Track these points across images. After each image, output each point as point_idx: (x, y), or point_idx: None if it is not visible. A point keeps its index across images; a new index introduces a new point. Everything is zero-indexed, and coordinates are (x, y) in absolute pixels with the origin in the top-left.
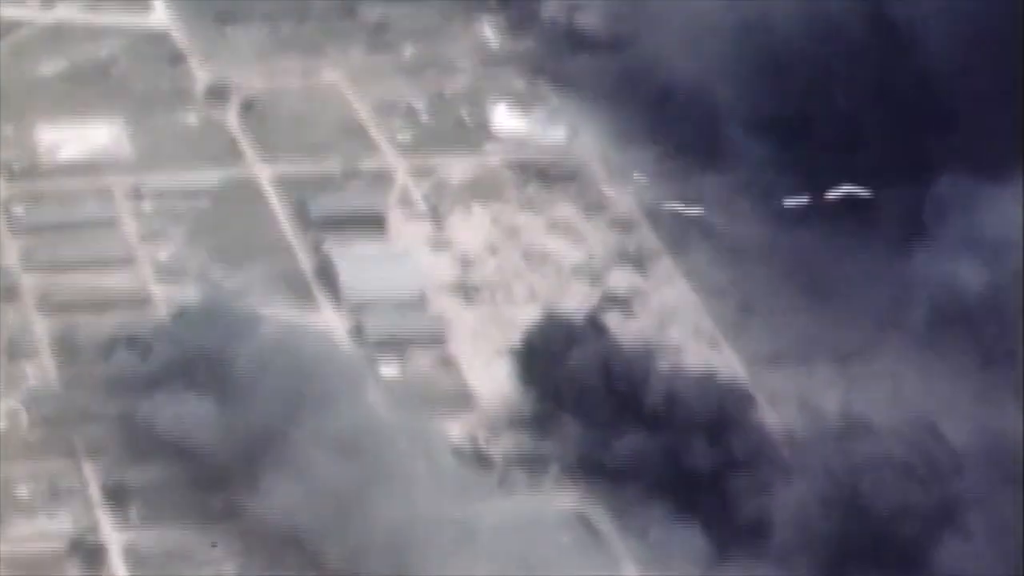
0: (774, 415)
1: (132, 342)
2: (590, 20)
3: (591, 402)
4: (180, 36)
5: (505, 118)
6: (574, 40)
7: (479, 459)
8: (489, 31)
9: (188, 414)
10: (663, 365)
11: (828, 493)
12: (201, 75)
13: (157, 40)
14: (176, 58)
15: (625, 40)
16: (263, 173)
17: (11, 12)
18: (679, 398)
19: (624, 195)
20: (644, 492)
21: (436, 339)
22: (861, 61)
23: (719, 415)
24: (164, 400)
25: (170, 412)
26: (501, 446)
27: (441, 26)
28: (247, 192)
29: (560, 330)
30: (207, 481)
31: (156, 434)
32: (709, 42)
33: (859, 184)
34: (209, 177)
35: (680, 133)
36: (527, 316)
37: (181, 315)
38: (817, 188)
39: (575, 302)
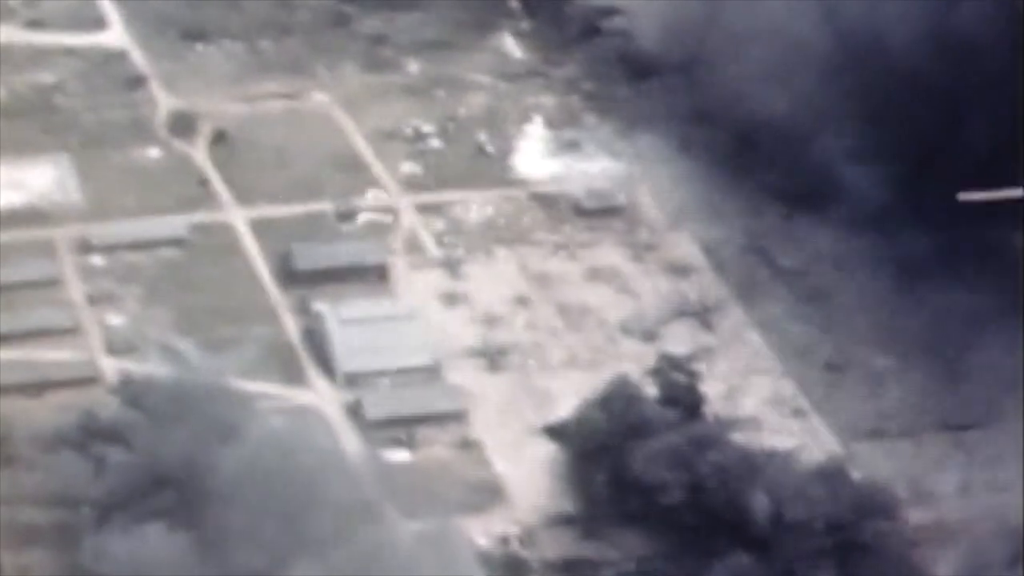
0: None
1: (81, 446)
2: (641, 33)
3: (661, 498)
4: (139, 56)
5: (532, 145)
6: (618, 55)
7: (511, 567)
8: (511, 42)
9: (149, 550)
10: (760, 447)
11: None
12: (164, 102)
13: (112, 61)
14: (134, 82)
15: (683, 54)
16: (239, 218)
17: None
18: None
19: (680, 233)
20: None
21: (454, 417)
22: (995, 88)
23: (850, 530)
24: (118, 532)
25: (126, 547)
26: (538, 550)
27: (452, 37)
28: (219, 242)
29: (616, 402)
30: None
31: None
32: (798, 65)
33: (984, 225)
34: (173, 225)
35: (758, 166)
36: (566, 386)
37: (136, 401)
38: (929, 229)
39: (624, 366)
